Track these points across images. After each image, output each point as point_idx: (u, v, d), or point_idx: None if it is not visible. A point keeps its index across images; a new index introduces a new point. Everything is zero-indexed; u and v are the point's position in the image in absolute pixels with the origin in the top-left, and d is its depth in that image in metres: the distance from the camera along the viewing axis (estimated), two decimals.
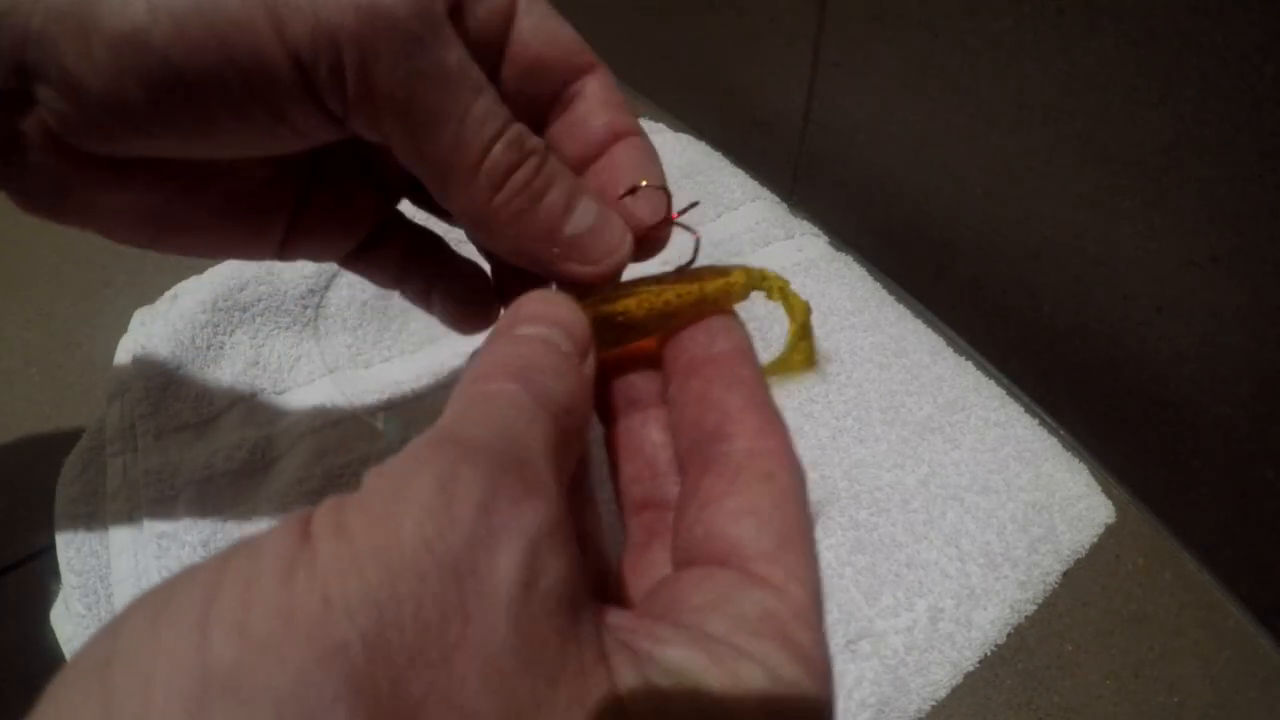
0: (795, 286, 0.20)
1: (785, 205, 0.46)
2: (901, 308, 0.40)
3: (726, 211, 0.44)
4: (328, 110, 0.17)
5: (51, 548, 0.32)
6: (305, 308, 0.38)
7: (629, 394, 0.19)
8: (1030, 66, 0.30)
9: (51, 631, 0.30)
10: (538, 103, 0.20)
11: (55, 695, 0.09)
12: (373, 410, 0.35)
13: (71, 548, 0.31)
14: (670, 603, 0.14)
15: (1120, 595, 0.32)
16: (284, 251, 0.22)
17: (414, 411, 0.35)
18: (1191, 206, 0.27)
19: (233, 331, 0.36)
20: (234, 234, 0.21)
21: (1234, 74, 0.24)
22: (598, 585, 0.18)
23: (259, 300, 0.37)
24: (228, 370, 0.36)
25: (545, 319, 0.16)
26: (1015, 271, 0.36)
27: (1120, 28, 0.26)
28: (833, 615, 0.29)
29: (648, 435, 0.19)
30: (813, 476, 0.33)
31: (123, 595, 0.30)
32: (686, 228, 0.20)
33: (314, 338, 0.38)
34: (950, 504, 0.32)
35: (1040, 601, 0.31)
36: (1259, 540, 0.31)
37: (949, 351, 0.38)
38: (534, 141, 0.18)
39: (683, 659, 0.12)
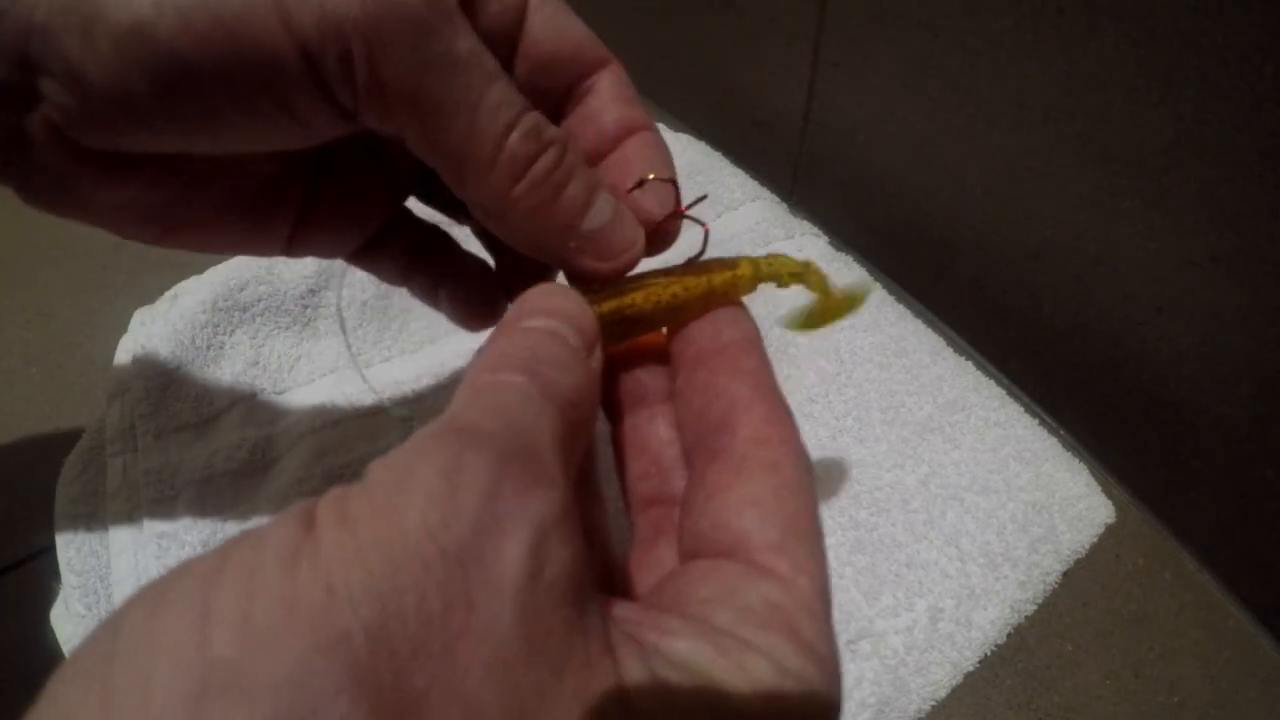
0: (795, 286, 0.20)
1: (785, 205, 0.46)
2: (901, 308, 0.40)
3: (726, 211, 0.44)
4: (338, 103, 0.17)
5: (51, 548, 0.32)
6: (305, 308, 0.38)
7: (636, 390, 0.19)
8: (1030, 66, 0.30)
9: (51, 631, 0.30)
10: (551, 98, 0.20)
11: (56, 692, 0.09)
12: (373, 410, 0.35)
13: (71, 548, 0.31)
14: (677, 595, 0.14)
15: (1120, 595, 0.32)
16: (292, 247, 0.22)
17: (414, 411, 0.35)
18: (1191, 206, 0.27)
19: (233, 331, 0.36)
20: (241, 230, 0.21)
21: (1234, 74, 0.24)
22: (604, 581, 0.18)
23: (259, 300, 0.37)
24: (228, 370, 0.36)
25: (553, 312, 0.16)
26: (1015, 271, 0.36)
27: (1120, 28, 0.26)
28: (833, 615, 0.29)
29: (655, 431, 0.19)
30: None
31: (123, 595, 0.30)
32: (695, 220, 0.20)
33: (314, 338, 0.38)
34: (950, 504, 0.32)
35: (1040, 601, 0.31)
36: (1259, 540, 0.31)
37: (949, 351, 0.38)
38: (553, 132, 0.18)
39: (689, 651, 0.12)
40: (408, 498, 0.11)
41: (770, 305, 0.20)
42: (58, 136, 0.17)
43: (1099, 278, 0.32)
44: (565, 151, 0.18)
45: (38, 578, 0.32)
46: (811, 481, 0.15)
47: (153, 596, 0.10)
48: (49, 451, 0.35)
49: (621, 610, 0.13)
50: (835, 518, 0.32)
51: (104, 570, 0.31)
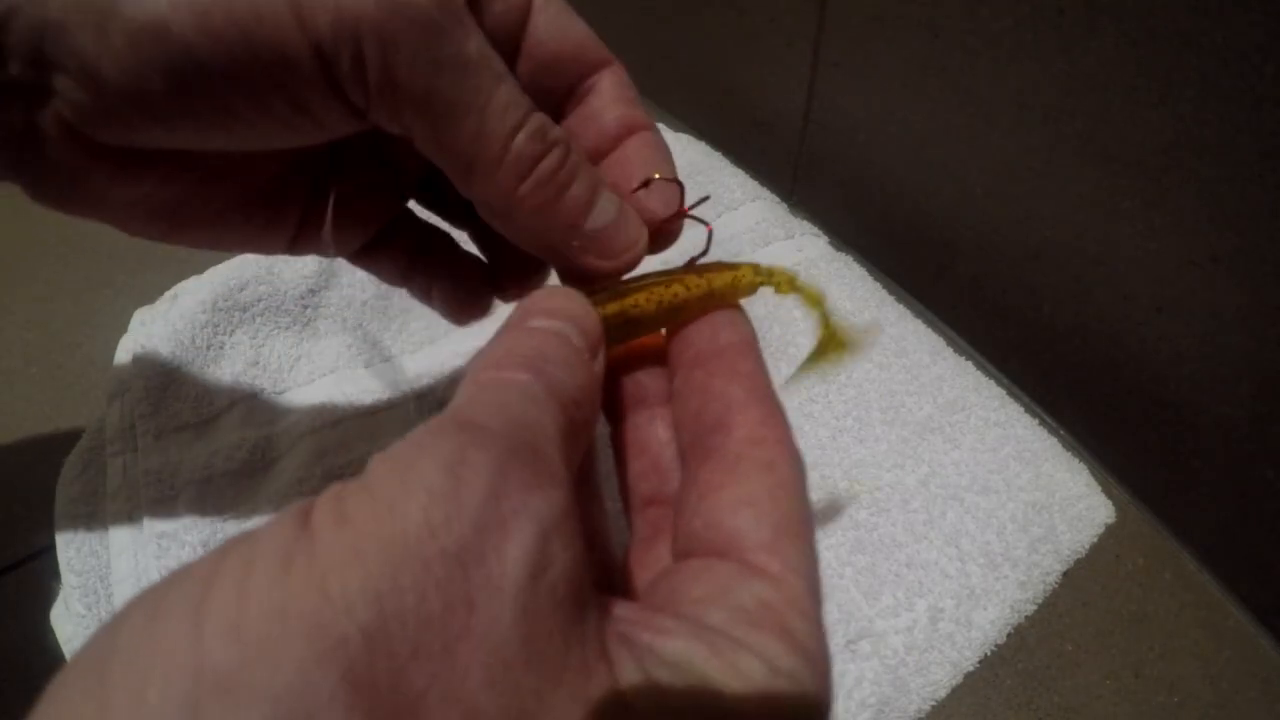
0: (793, 296, 0.20)
1: (785, 205, 0.46)
2: (901, 308, 0.40)
3: (726, 211, 0.44)
4: (349, 102, 0.17)
5: (51, 548, 0.32)
6: (305, 308, 0.38)
7: (636, 392, 0.19)
8: (1030, 66, 0.30)
9: (51, 631, 0.30)
10: (552, 98, 0.20)
11: (55, 695, 0.09)
12: (373, 410, 0.35)
13: (71, 548, 0.31)
14: (670, 594, 0.14)
15: (1120, 595, 0.32)
16: (295, 246, 0.23)
17: (414, 411, 0.35)
18: (1191, 206, 0.27)
19: (233, 331, 0.36)
20: (247, 227, 0.21)
21: (1234, 74, 0.24)
22: (602, 581, 0.18)
23: (259, 300, 0.37)
24: (228, 370, 0.36)
25: (558, 313, 0.16)
26: (1015, 271, 0.36)
27: (1120, 28, 0.26)
28: (833, 615, 0.29)
29: (654, 433, 0.19)
30: (813, 476, 0.33)
31: (123, 595, 0.30)
32: (699, 220, 0.20)
33: (314, 338, 0.38)
34: (950, 504, 0.32)
35: (1040, 601, 0.31)
36: (1259, 540, 0.31)
37: (949, 351, 0.38)
38: (557, 132, 0.18)
39: (683, 651, 0.12)
40: (409, 494, 0.11)
41: (769, 306, 0.20)
42: (71, 133, 0.17)
43: (1099, 278, 0.32)
44: (569, 152, 0.18)
45: (38, 578, 0.32)
46: (805, 482, 0.15)
47: (150, 602, 0.10)
48: (49, 451, 0.35)
49: (618, 609, 0.13)
50: (835, 518, 0.32)
51: (104, 570, 0.31)
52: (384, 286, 0.35)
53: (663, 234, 0.20)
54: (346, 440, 0.34)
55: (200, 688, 0.09)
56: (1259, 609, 0.32)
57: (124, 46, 0.15)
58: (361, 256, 0.24)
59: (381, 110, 0.17)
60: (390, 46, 0.16)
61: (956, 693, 0.29)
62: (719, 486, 0.15)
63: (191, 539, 0.31)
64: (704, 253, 0.20)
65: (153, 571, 0.30)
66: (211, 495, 0.32)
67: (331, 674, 0.09)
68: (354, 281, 0.38)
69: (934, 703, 0.28)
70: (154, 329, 0.36)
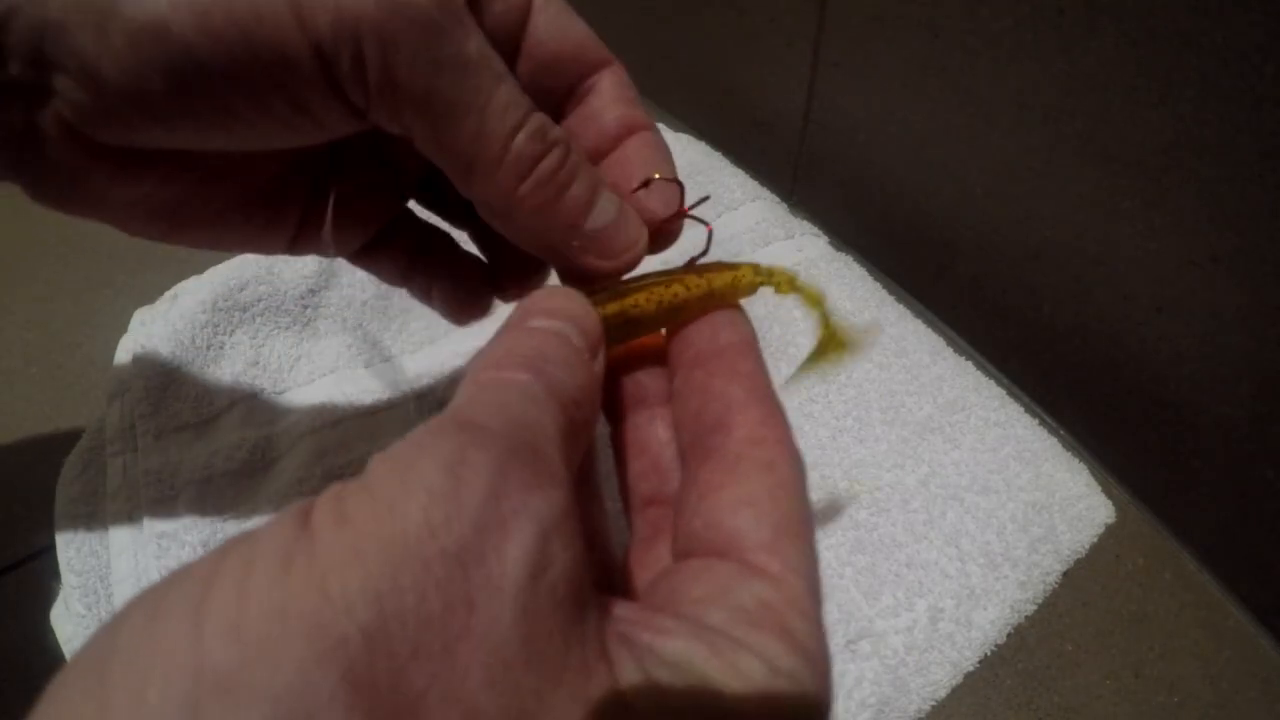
0: (793, 296, 0.20)
1: (785, 205, 0.46)
2: (901, 308, 0.40)
3: (726, 211, 0.44)
4: (349, 101, 0.17)
5: (51, 548, 0.32)
6: (305, 308, 0.38)
7: (635, 392, 0.19)
8: (1030, 66, 0.30)
9: (51, 631, 0.30)
10: (552, 98, 0.20)
11: (55, 694, 0.09)
12: (373, 410, 0.35)
13: (71, 548, 0.31)
14: (670, 594, 0.14)
15: (1120, 595, 0.32)
16: (295, 246, 0.23)
17: (414, 411, 0.35)
18: (1191, 206, 0.27)
19: (233, 331, 0.36)
20: (247, 227, 0.21)
21: (1234, 74, 0.24)
22: (602, 580, 0.18)
23: (259, 300, 0.37)
24: (228, 370, 0.36)
25: (558, 313, 0.16)
26: (1015, 271, 0.36)
27: (1120, 28, 0.26)
28: (833, 615, 0.29)
29: (654, 433, 0.19)
30: (813, 476, 0.33)
31: (123, 595, 0.30)
32: (699, 220, 0.20)
33: (314, 338, 0.38)
34: (950, 504, 0.32)
35: (1040, 601, 0.31)
36: (1259, 540, 0.31)
37: (949, 351, 0.38)
38: (557, 132, 0.18)
39: (683, 651, 0.12)
40: (409, 494, 0.11)
41: (769, 306, 0.20)
42: (71, 133, 0.17)
43: (1099, 278, 0.32)
44: (569, 152, 0.18)
45: (38, 578, 0.32)
46: (805, 482, 0.15)
47: (150, 602, 0.10)
48: (49, 451, 0.35)
49: (618, 609, 0.13)
50: (835, 518, 0.32)
51: (104, 570, 0.31)
52: (384, 286, 0.35)
53: (662, 234, 0.20)
54: (346, 440, 0.34)
55: (200, 688, 0.09)
56: (1259, 609, 0.32)
57: (124, 46, 0.15)
58: (361, 256, 0.24)
59: (381, 110, 0.17)
60: (390, 46, 0.16)
61: (956, 693, 0.29)
62: (719, 486, 0.15)
63: (191, 539, 0.31)
64: (704, 253, 0.20)
65: (153, 571, 0.30)
66: (211, 495, 0.32)
67: (331, 674, 0.09)
68: (354, 281, 0.38)
69: (934, 703, 0.28)
70: (154, 329, 0.36)
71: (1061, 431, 0.37)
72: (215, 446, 0.33)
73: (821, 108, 0.42)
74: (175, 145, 0.18)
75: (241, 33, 0.15)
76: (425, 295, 0.25)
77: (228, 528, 0.31)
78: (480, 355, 0.15)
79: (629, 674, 0.11)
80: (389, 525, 0.10)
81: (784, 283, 0.19)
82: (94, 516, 0.32)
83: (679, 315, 0.18)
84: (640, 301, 0.18)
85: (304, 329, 0.38)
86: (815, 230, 0.44)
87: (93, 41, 0.15)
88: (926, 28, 0.33)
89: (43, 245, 0.47)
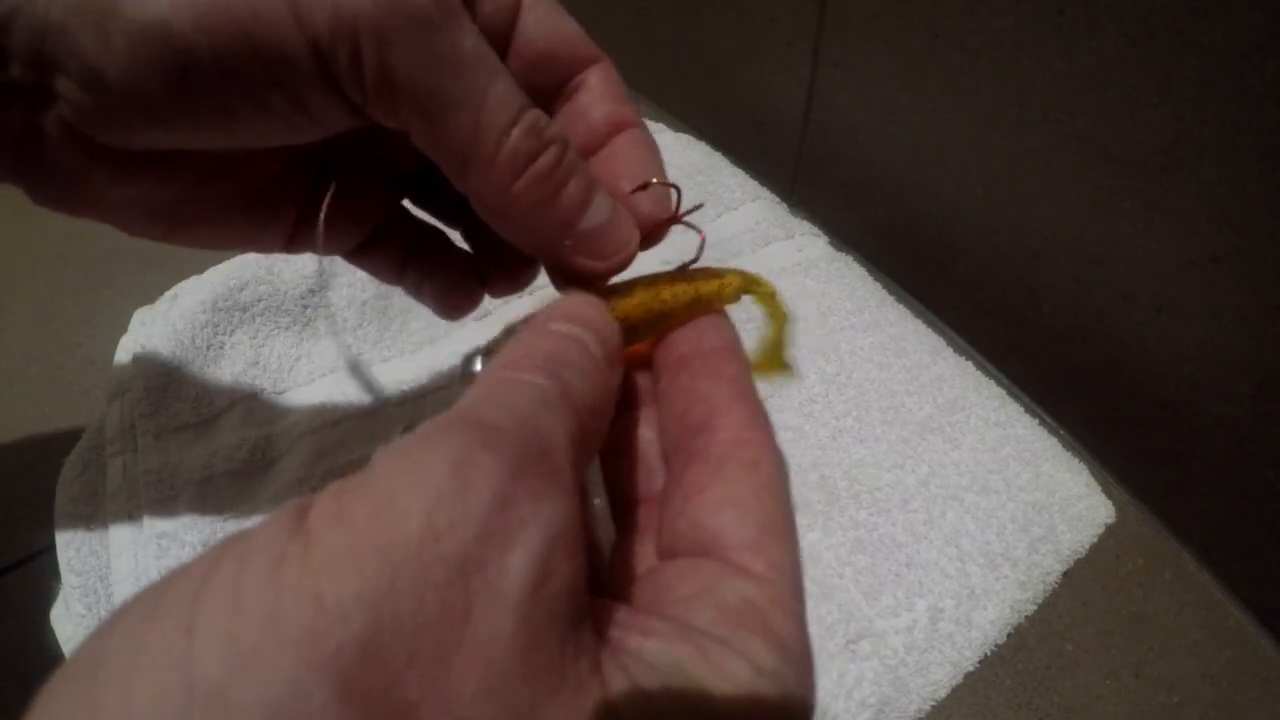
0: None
1: (785, 205, 0.46)
2: (901, 308, 0.40)
3: (726, 211, 0.44)
4: (347, 98, 0.17)
5: (51, 548, 0.32)
6: (305, 308, 0.38)
7: (622, 393, 0.19)
8: (1030, 66, 0.30)
9: (51, 631, 0.30)
10: (542, 95, 0.20)
11: (48, 696, 0.09)
12: (373, 410, 0.35)
13: (71, 548, 0.31)
14: (656, 593, 0.14)
15: (1120, 595, 0.32)
16: (293, 244, 0.23)
17: (414, 412, 0.35)
18: (1191, 206, 0.27)
19: (233, 331, 0.36)
20: (246, 226, 0.22)
21: (1234, 74, 0.24)
22: (591, 580, 0.18)
23: (259, 300, 0.37)
24: (228, 370, 0.36)
25: (579, 319, 0.16)
26: (1015, 271, 0.36)
27: (1120, 28, 0.26)
28: (833, 615, 0.29)
29: (639, 433, 0.19)
30: (813, 476, 0.33)
31: (123, 595, 0.30)
32: (692, 227, 0.20)
33: (314, 338, 0.38)
34: (950, 504, 0.32)
35: (1040, 601, 0.31)
36: (1259, 540, 0.31)
37: (949, 351, 0.38)
38: (554, 130, 0.18)
39: (668, 653, 0.12)
40: (412, 492, 0.10)
41: (749, 313, 0.21)
42: (72, 134, 0.17)
43: (1099, 278, 0.32)
44: (566, 150, 0.18)
45: (38, 578, 0.32)
46: (787, 483, 0.15)
47: (143, 606, 0.10)
48: (49, 451, 0.35)
49: (604, 611, 0.13)
50: (835, 518, 0.32)
51: (104, 570, 0.31)
52: (384, 286, 0.35)
53: (649, 235, 0.20)
54: (346, 440, 0.34)
55: (191, 699, 0.09)
56: (1259, 609, 0.32)
57: (124, 47, 0.15)
58: (358, 254, 0.24)
59: (379, 106, 0.17)
60: (387, 43, 0.16)
61: (956, 693, 0.29)
62: (703, 487, 0.15)
63: (191, 539, 0.31)
64: (694, 260, 0.20)
65: (153, 571, 0.30)
66: (211, 495, 0.32)
67: (324, 685, 0.09)
68: (354, 281, 0.38)
69: (934, 703, 0.28)
70: (154, 329, 0.36)
71: (1061, 431, 0.37)
72: (215, 446, 0.33)
73: (821, 108, 0.42)
74: (175, 145, 0.18)
75: (240, 31, 0.15)
76: (417, 291, 0.25)
77: (228, 528, 0.31)
78: (500, 355, 0.15)
79: (617, 681, 0.11)
80: (389, 526, 0.10)
81: (764, 294, 0.20)
82: (94, 516, 0.32)
83: (665, 322, 0.18)
84: (628, 309, 0.18)
85: (304, 329, 0.38)
86: (815, 230, 0.44)
87: (93, 42, 0.15)
88: (926, 28, 0.33)
89: (43, 245, 0.47)
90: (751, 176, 0.46)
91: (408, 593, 0.10)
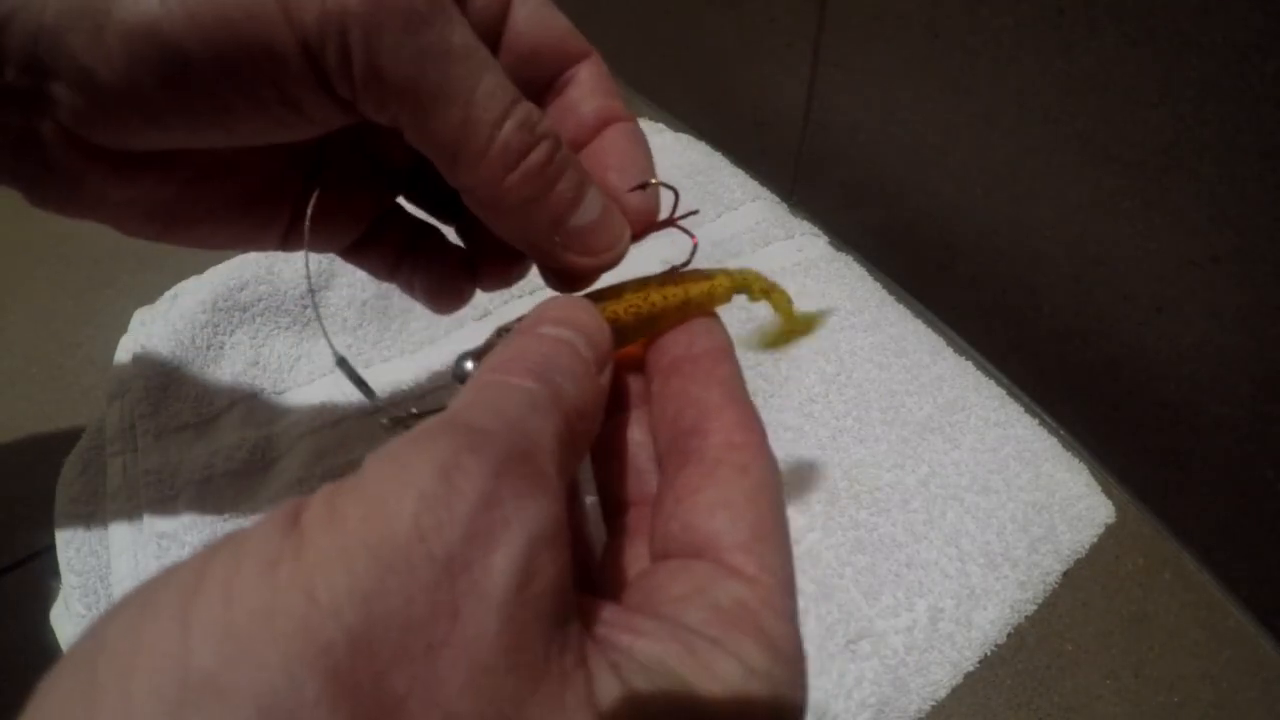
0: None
1: (785, 205, 0.46)
2: (901, 308, 0.40)
3: (726, 211, 0.44)
4: (337, 94, 0.17)
5: (51, 548, 0.32)
6: (305, 308, 0.38)
7: (613, 396, 0.19)
8: (1030, 66, 0.30)
9: (51, 631, 0.30)
10: (532, 90, 0.20)
11: (47, 688, 0.09)
12: (373, 410, 0.35)
13: (71, 548, 0.31)
14: (648, 594, 0.14)
15: (1120, 595, 0.32)
16: (288, 242, 0.23)
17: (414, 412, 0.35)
18: (1191, 206, 0.27)
19: (233, 331, 0.36)
20: (241, 225, 0.22)
21: (1234, 74, 0.24)
22: (582, 580, 0.18)
23: (259, 300, 0.37)
24: (228, 370, 0.36)
25: (569, 322, 0.16)
26: (1015, 271, 0.36)
27: (1120, 28, 0.26)
28: (833, 615, 0.29)
29: (630, 435, 0.19)
30: (813, 476, 0.33)
31: (122, 595, 0.30)
32: (686, 231, 0.20)
33: (314, 338, 0.38)
34: (950, 504, 0.32)
35: (1040, 601, 0.31)
36: (1259, 540, 0.31)
37: (949, 351, 0.38)
38: (546, 125, 0.18)
39: (660, 652, 0.12)
40: (400, 495, 0.11)
41: (747, 313, 0.21)
42: (67, 137, 0.17)
43: (1099, 278, 0.32)
44: (558, 146, 0.18)
45: (38, 578, 0.32)
46: (779, 485, 0.16)
47: (138, 603, 0.10)
48: (49, 451, 0.35)
49: (595, 610, 0.13)
50: (835, 518, 0.32)
51: (104, 570, 0.31)
52: (384, 287, 0.35)
53: (642, 235, 0.20)
54: (346, 440, 0.34)
55: (186, 689, 0.09)
56: (1259, 609, 0.32)
57: (118, 49, 0.15)
58: (352, 252, 0.24)
59: (368, 101, 0.17)
60: (374, 37, 0.16)
61: (956, 693, 0.29)
62: (696, 489, 0.15)
63: (191, 539, 0.31)
64: (686, 263, 0.20)
65: (152, 571, 0.30)
66: (211, 495, 0.32)
67: (316, 677, 0.09)
68: (354, 281, 0.38)
69: (934, 703, 0.28)
70: (154, 329, 0.36)
71: (1061, 431, 0.37)
72: (215, 446, 0.33)
73: (821, 108, 0.42)
74: (170, 145, 0.18)
75: (231, 31, 0.15)
76: (409, 286, 0.25)
77: (228, 528, 0.31)
78: (489, 357, 0.15)
79: (606, 679, 0.11)
80: (379, 527, 0.10)
81: (757, 290, 0.20)
82: (94, 516, 0.32)
83: (656, 325, 0.18)
84: (619, 313, 0.18)
85: (304, 329, 0.38)
86: (815, 230, 0.44)
87: (87, 45, 0.15)
88: (926, 28, 0.33)
89: (43, 245, 0.47)
90: (751, 176, 0.46)
91: (397, 591, 0.10)
